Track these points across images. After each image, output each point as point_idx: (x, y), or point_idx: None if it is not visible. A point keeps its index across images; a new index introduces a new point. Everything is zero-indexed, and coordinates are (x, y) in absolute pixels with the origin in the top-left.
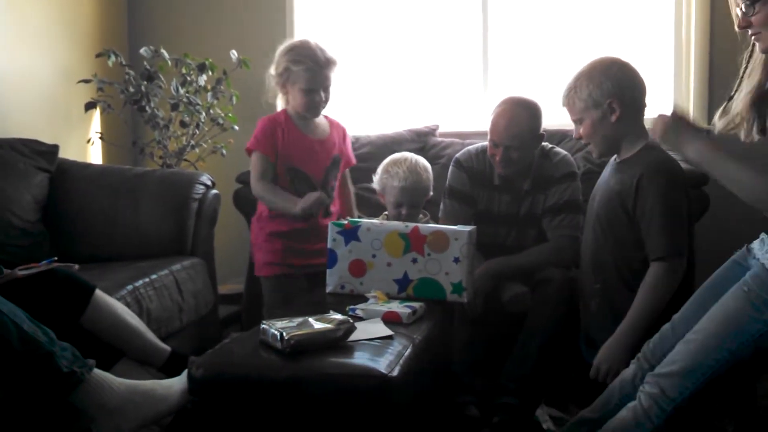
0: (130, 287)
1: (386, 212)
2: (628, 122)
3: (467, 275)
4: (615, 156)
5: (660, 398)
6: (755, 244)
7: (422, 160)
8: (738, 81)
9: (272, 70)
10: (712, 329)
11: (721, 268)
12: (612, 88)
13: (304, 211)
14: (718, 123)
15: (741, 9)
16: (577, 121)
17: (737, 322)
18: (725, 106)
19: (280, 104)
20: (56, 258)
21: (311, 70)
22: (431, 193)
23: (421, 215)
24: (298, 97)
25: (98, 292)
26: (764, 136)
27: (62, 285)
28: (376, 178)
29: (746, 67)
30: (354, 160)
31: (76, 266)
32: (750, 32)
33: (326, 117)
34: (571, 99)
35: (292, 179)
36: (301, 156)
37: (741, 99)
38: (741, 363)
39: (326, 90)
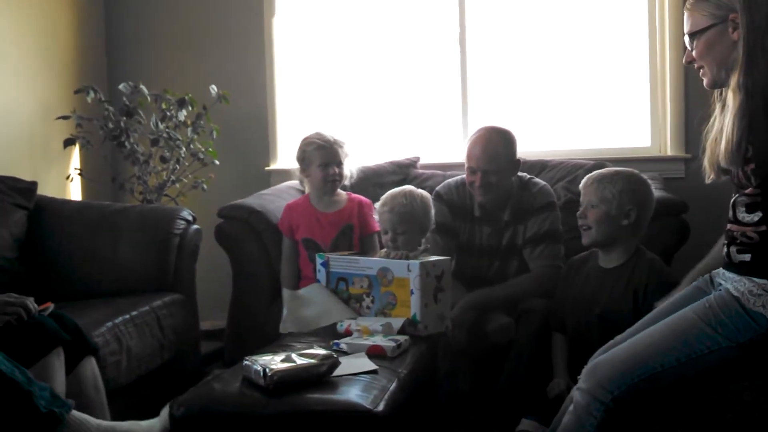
0: (109, 324)
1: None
2: None
3: (422, 308)
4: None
5: (597, 390)
6: (716, 276)
7: (417, 192)
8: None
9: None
10: (666, 333)
11: (684, 292)
12: None
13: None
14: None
15: (686, 44)
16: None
17: (691, 332)
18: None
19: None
20: (32, 299)
21: (323, 147)
22: (431, 225)
23: (421, 245)
24: (316, 174)
25: (59, 353)
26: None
27: (26, 332)
28: None
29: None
30: (374, 228)
31: (52, 306)
32: (696, 66)
33: (348, 194)
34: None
35: (306, 246)
36: (309, 228)
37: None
38: (686, 378)
39: (339, 165)
